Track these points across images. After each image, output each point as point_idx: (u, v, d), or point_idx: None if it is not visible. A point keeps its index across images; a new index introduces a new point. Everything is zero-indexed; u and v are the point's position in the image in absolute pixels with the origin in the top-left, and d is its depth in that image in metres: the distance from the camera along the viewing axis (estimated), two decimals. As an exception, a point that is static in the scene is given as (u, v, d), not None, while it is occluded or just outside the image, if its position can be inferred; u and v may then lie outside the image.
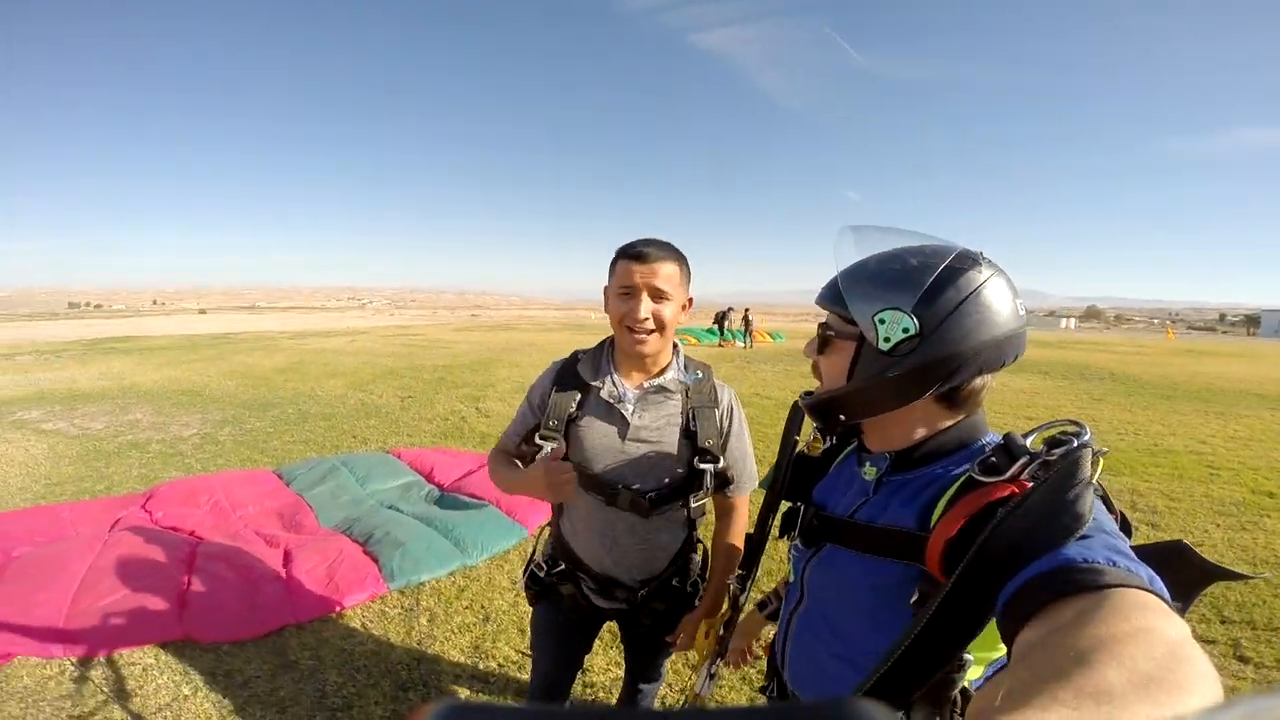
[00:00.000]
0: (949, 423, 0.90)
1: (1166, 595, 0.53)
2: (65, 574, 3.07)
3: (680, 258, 1.45)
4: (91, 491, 4.97)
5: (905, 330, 0.82)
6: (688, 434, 1.50)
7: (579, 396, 1.49)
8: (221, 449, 6.33)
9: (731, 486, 1.59)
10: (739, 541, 1.61)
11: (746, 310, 22.13)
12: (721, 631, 1.34)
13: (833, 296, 0.92)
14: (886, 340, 0.83)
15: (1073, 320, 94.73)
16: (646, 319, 1.40)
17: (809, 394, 1.00)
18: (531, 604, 1.71)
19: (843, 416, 0.93)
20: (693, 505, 1.55)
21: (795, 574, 1.06)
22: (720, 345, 21.01)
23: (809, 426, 1.16)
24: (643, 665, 1.77)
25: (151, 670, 2.56)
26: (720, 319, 22.10)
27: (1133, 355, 21.05)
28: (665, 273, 1.40)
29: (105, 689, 2.43)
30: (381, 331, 29.32)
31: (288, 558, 3.51)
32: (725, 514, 1.65)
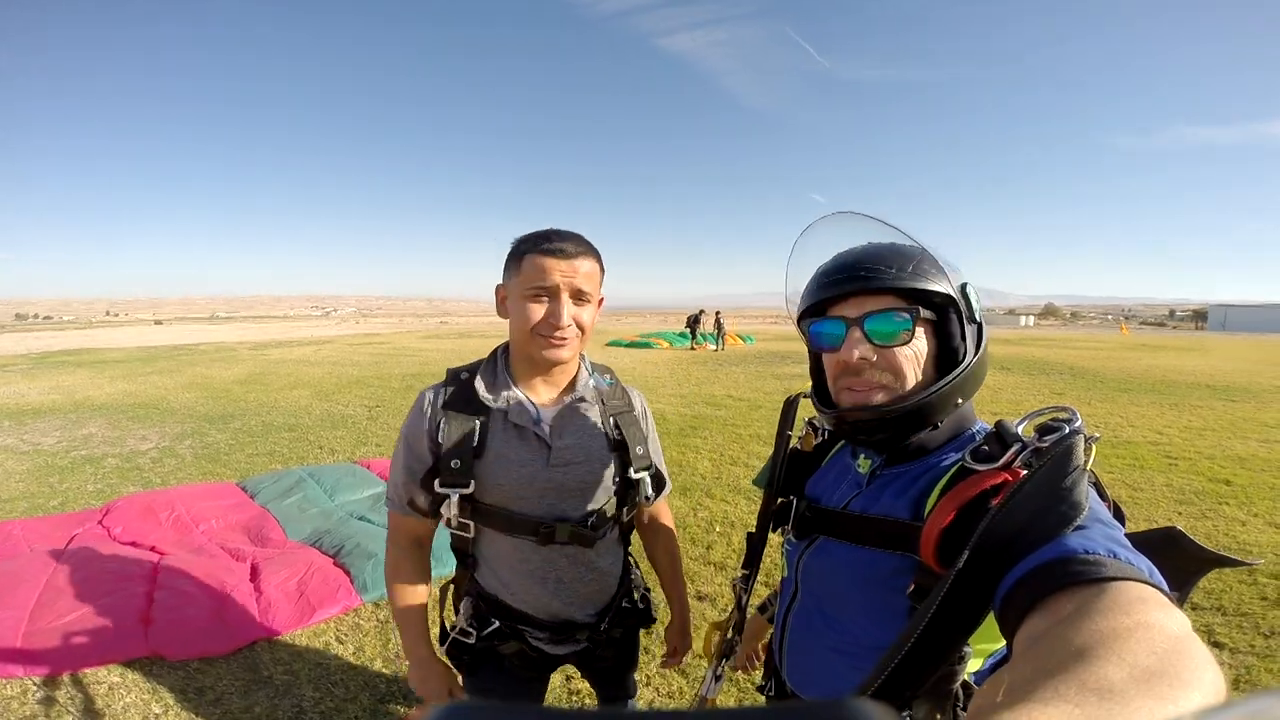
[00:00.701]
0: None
1: (1166, 587, 0.53)
2: (20, 591, 2.93)
3: (598, 254, 1.28)
4: (44, 508, 4.77)
5: (977, 301, 0.85)
6: (615, 444, 1.34)
7: (479, 422, 1.25)
8: (181, 463, 6.13)
9: (663, 489, 1.46)
10: (675, 541, 1.58)
11: (718, 313, 22.38)
12: (729, 634, 1.32)
13: (917, 271, 0.85)
14: (977, 309, 0.85)
15: (1031, 318, 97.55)
16: (570, 324, 1.21)
17: (889, 402, 0.87)
18: (467, 675, 1.38)
19: (960, 400, 0.88)
20: (624, 520, 1.41)
21: (789, 568, 1.06)
22: (692, 348, 21.18)
23: (801, 423, 1.17)
24: (613, 691, 1.60)
25: (118, 689, 2.46)
26: (692, 322, 22.28)
27: (1090, 350, 21.71)
28: (586, 271, 1.22)
29: (72, 709, 2.33)
30: (347, 340, 28.77)
31: (255, 571, 3.39)
32: (653, 519, 1.55)
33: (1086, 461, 0.68)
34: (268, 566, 3.41)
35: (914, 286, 0.84)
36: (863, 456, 0.97)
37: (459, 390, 1.28)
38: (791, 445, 1.14)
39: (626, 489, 1.37)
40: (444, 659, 1.36)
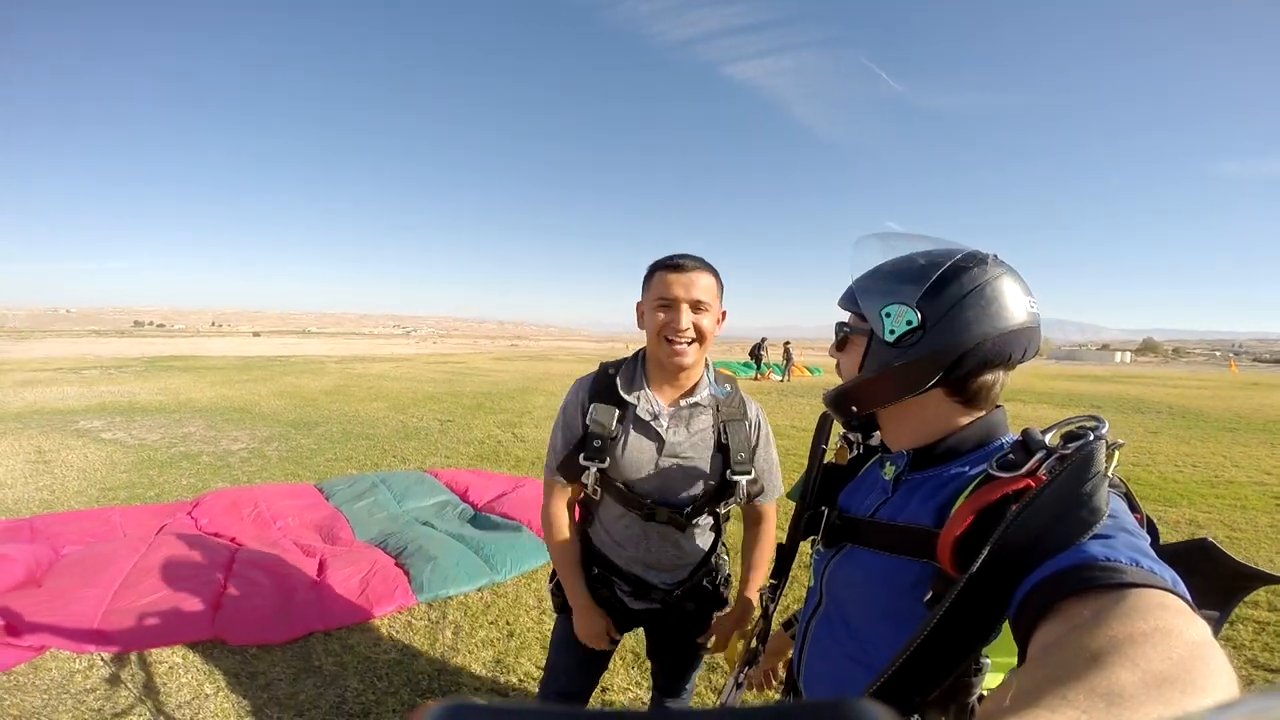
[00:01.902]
0: (965, 420, 0.89)
1: (1189, 598, 0.51)
2: (108, 573, 3.19)
3: (715, 271, 1.48)
4: (143, 498, 5.17)
5: (909, 323, 0.85)
6: (720, 447, 1.53)
7: (617, 413, 1.50)
8: (267, 463, 6.53)
9: (761, 495, 1.62)
10: (770, 547, 1.66)
11: (787, 344, 21.98)
12: (754, 642, 1.32)
13: (849, 297, 0.97)
14: (891, 333, 0.87)
15: (1128, 354, 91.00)
16: (688, 329, 1.42)
17: (826, 393, 1.03)
18: (558, 610, 1.69)
19: (854, 407, 0.95)
20: (721, 512, 1.62)
21: (815, 577, 1.06)
22: (756, 379, 20.81)
23: (836, 437, 1.17)
24: (671, 676, 1.77)
25: (177, 669, 2.62)
26: (756, 352, 21.96)
27: (1193, 389, 20.11)
28: (703, 284, 1.43)
29: (129, 685, 2.49)
30: (425, 359, 30.00)
31: (322, 567, 3.57)
32: (755, 522, 1.68)
33: (1108, 467, 0.67)
34: (334, 563, 3.58)
35: (846, 307, 0.98)
36: (889, 464, 0.97)
37: (605, 382, 1.55)
38: (828, 460, 1.15)
39: (723, 487, 1.54)
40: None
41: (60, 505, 4.88)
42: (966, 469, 0.86)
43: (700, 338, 1.45)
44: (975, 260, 0.86)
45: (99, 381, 14.46)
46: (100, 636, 2.73)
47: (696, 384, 1.55)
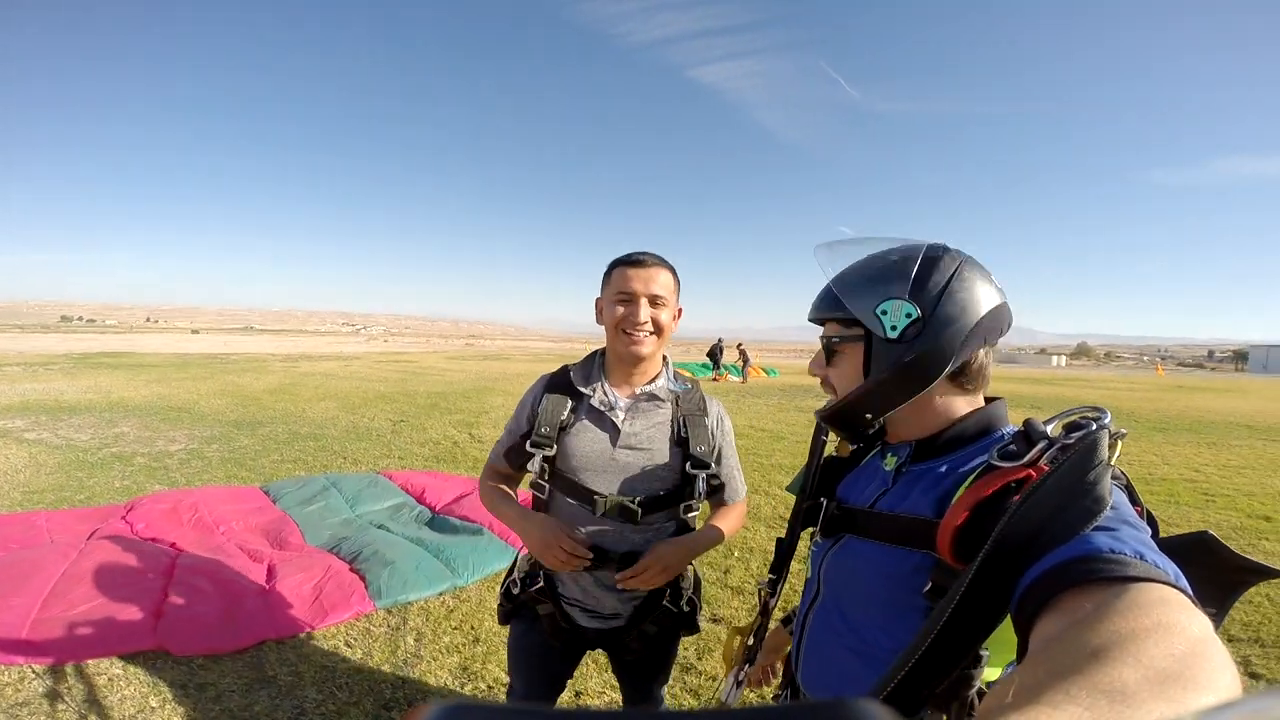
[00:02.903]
0: (967, 407, 0.91)
1: (1190, 592, 0.51)
2: (36, 580, 2.96)
3: (673, 269, 1.51)
4: (71, 501, 4.85)
5: (908, 315, 0.85)
6: (679, 441, 1.51)
7: (570, 403, 1.49)
8: (208, 465, 6.22)
9: (727, 492, 1.61)
10: (738, 519, 1.65)
11: (740, 345, 22.27)
12: (750, 640, 1.29)
13: (830, 304, 0.95)
14: (894, 328, 0.86)
15: (1063, 358, 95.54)
16: (646, 322, 1.44)
17: (820, 410, 1.01)
18: (502, 622, 1.63)
19: (869, 415, 0.93)
20: (684, 516, 1.52)
21: (813, 569, 1.05)
22: (714, 379, 21.03)
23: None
24: (639, 695, 1.70)
25: (118, 680, 2.45)
26: (714, 353, 22.17)
27: (1124, 391, 21.23)
28: (662, 280, 1.46)
29: (67, 698, 2.32)
30: (375, 357, 29.28)
31: (271, 573, 3.40)
32: (724, 509, 1.63)
33: (1111, 457, 0.67)
34: (285, 568, 3.41)
35: (834, 316, 0.94)
36: (890, 454, 0.97)
37: (560, 377, 1.56)
38: (828, 453, 1.14)
39: (684, 484, 1.50)
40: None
41: (-21, 510, 4.53)
42: (968, 459, 0.87)
43: (658, 331, 1.47)
44: (940, 249, 0.90)
45: (21, 379, 13.59)
46: (30, 647, 2.53)
47: (655, 377, 1.55)
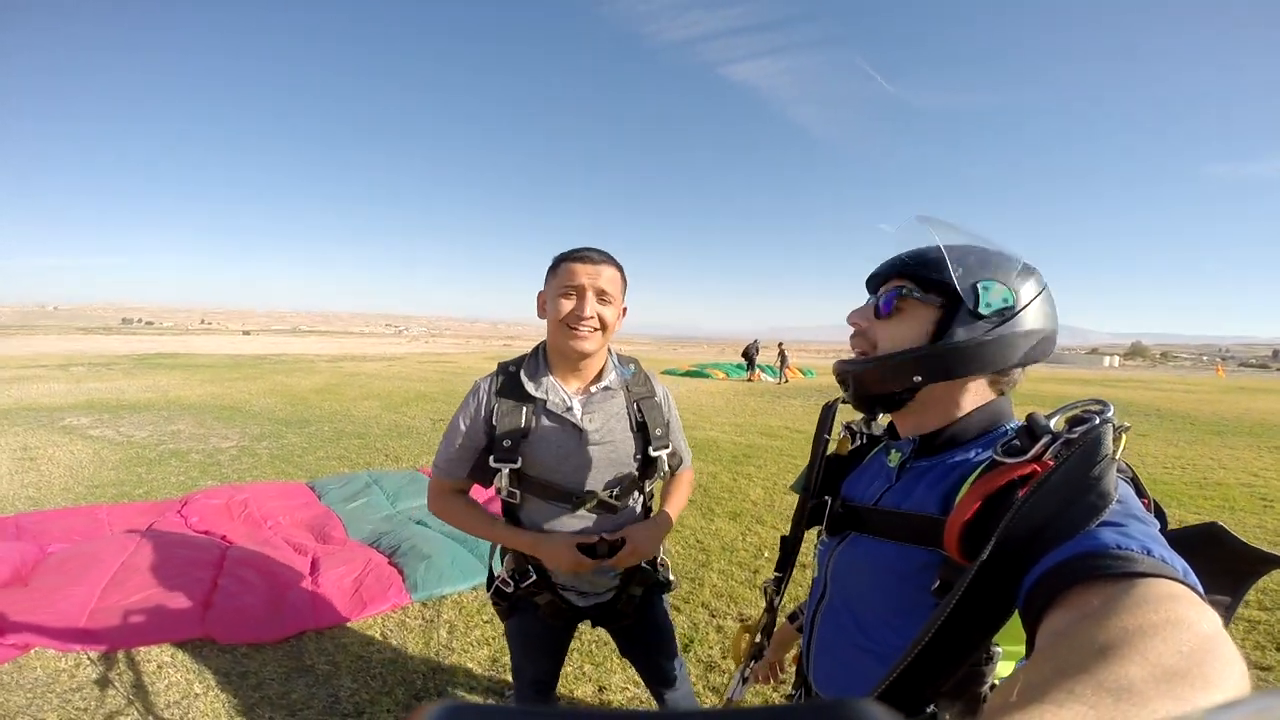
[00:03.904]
0: (980, 403, 0.90)
1: (1200, 588, 0.51)
2: (96, 571, 3.14)
3: (620, 265, 1.52)
4: (131, 495, 5.10)
5: (1005, 300, 0.86)
6: (638, 426, 1.55)
7: (525, 409, 1.47)
8: (258, 461, 6.47)
9: (680, 466, 1.71)
10: (687, 487, 1.75)
11: (781, 345, 22.01)
12: (758, 637, 1.30)
13: (923, 261, 0.92)
14: (988, 305, 0.86)
15: (1116, 358, 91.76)
16: (592, 316, 1.43)
17: (849, 361, 0.97)
18: (504, 618, 1.66)
19: (918, 378, 0.89)
20: (647, 490, 1.62)
21: (820, 568, 1.05)
22: (749, 379, 20.82)
23: (839, 428, 1.17)
24: (653, 667, 1.76)
25: (166, 668, 2.57)
26: (749, 353, 21.96)
27: (1180, 392, 20.30)
28: (608, 275, 1.46)
29: (117, 684, 2.45)
30: (417, 358, 29.87)
31: (315, 566, 3.53)
32: (672, 483, 1.73)
33: (1115, 450, 0.67)
34: (327, 562, 3.54)
35: (917, 274, 0.91)
36: (894, 450, 0.97)
37: (508, 381, 1.51)
38: (830, 451, 1.14)
39: (647, 465, 1.57)
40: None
41: (46, 503, 4.81)
42: (971, 455, 0.86)
43: (603, 326, 1.46)
44: (1035, 268, 0.91)
45: (86, 378, 14.32)
46: (87, 635, 2.68)
47: (602, 369, 1.56)
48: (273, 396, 11.91)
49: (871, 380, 0.94)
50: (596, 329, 1.45)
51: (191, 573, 3.22)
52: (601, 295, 1.45)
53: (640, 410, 1.55)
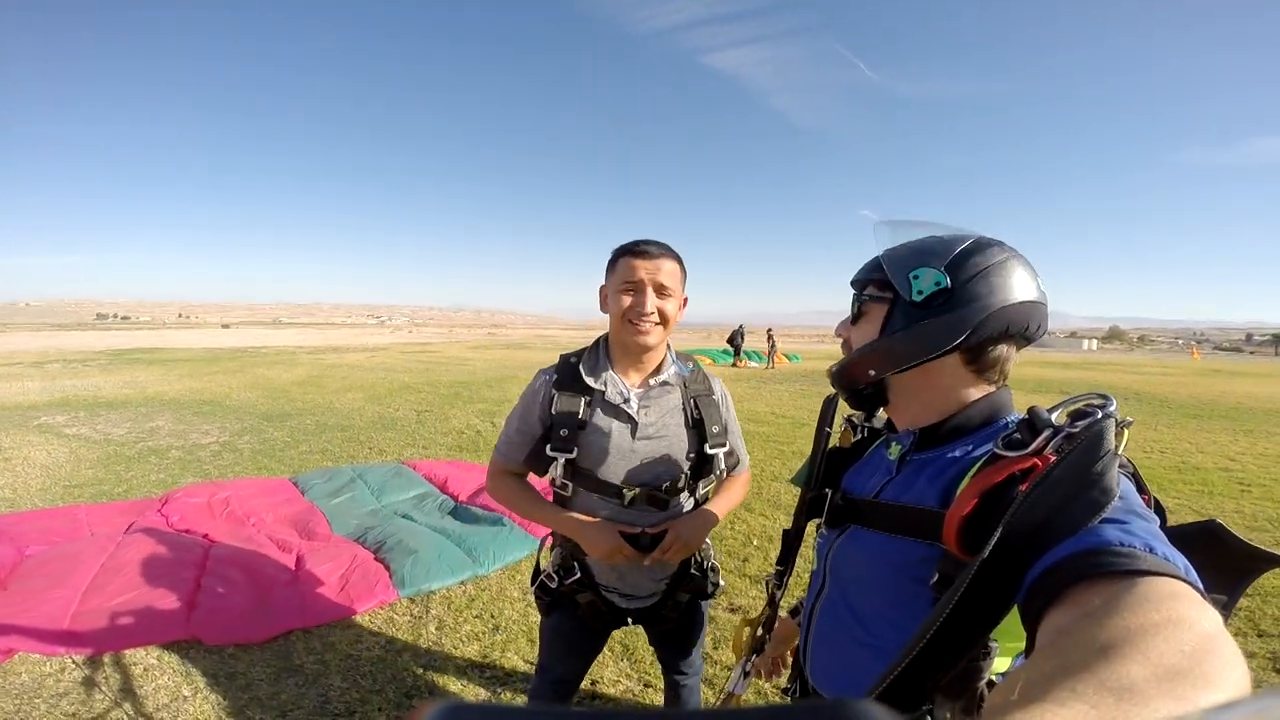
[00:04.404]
0: (976, 394, 0.90)
1: (1201, 586, 0.51)
2: (77, 573, 3.08)
3: (679, 257, 1.52)
4: (110, 495, 5.01)
5: (937, 283, 0.85)
6: (694, 423, 1.55)
7: (583, 400, 1.49)
8: (240, 457, 6.38)
9: (738, 467, 1.70)
10: (743, 490, 1.73)
11: (770, 331, 22.13)
12: (760, 631, 1.31)
13: (872, 268, 0.96)
14: (920, 293, 0.87)
15: (1094, 341, 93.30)
16: (653, 312, 1.45)
17: (829, 369, 1.01)
18: (544, 614, 1.66)
19: (872, 371, 0.93)
20: (700, 492, 1.60)
21: (819, 560, 1.05)
22: (735, 365, 20.87)
23: (840, 421, 1.17)
24: (678, 660, 1.76)
25: (153, 670, 2.54)
26: (734, 339, 21.99)
27: (1158, 375, 20.67)
28: (668, 269, 1.46)
29: (104, 687, 2.41)
30: (400, 348, 29.62)
31: (300, 563, 3.49)
32: (728, 483, 1.71)
33: (1118, 446, 0.67)
34: (312, 559, 3.50)
35: (873, 278, 0.95)
36: (894, 443, 0.98)
37: (568, 372, 1.53)
38: (832, 444, 1.15)
39: (702, 463, 1.57)
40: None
41: (23, 504, 4.72)
42: (972, 448, 0.86)
43: (664, 321, 1.48)
44: (992, 241, 0.90)
45: (61, 375, 14.03)
46: (71, 638, 2.64)
47: (661, 364, 1.57)
48: (253, 390, 11.75)
49: (844, 380, 0.99)
50: (657, 323, 1.47)
51: (175, 573, 3.17)
52: (661, 290, 1.46)
53: (697, 407, 1.55)
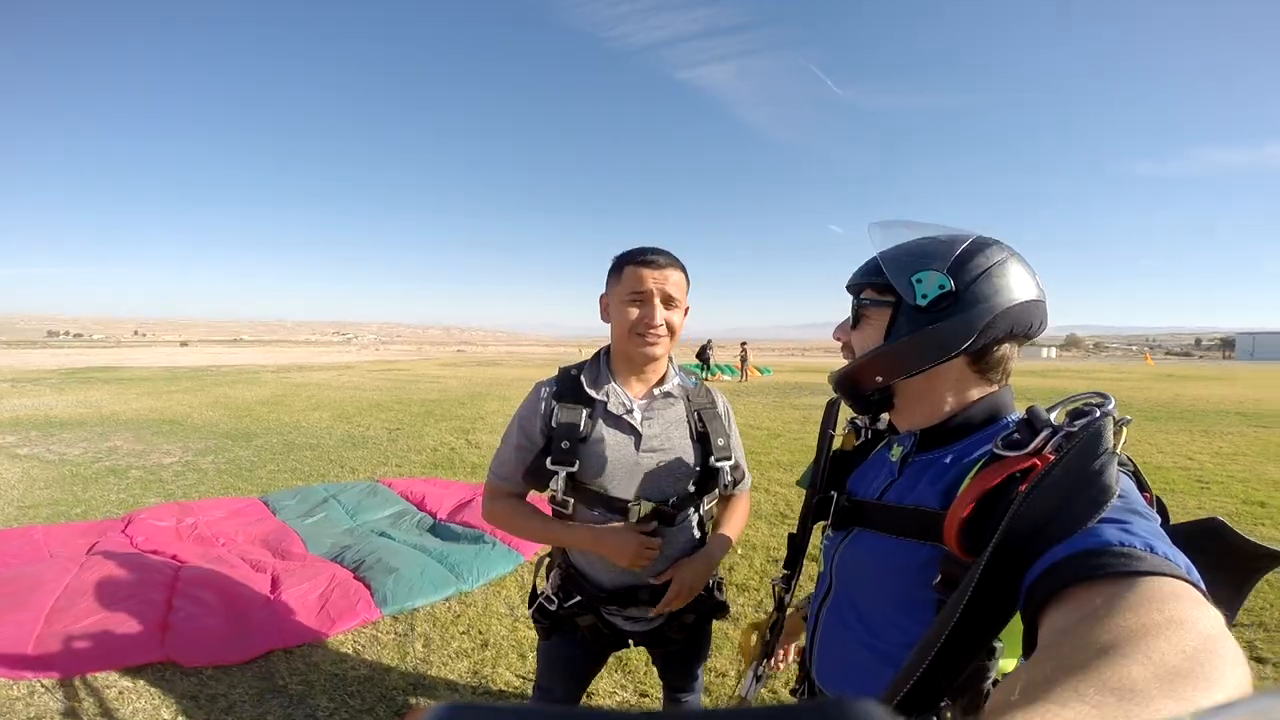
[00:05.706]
0: (978, 394, 0.90)
1: (1203, 586, 0.51)
2: (38, 595, 2.93)
3: (684, 267, 1.48)
4: (68, 515, 4.80)
5: (941, 286, 0.85)
6: (699, 436, 1.51)
7: (584, 411, 1.43)
8: (204, 476, 6.17)
9: (740, 483, 1.62)
10: (744, 516, 1.66)
11: (743, 345, 22.42)
12: (768, 635, 1.29)
13: (870, 270, 0.94)
14: (924, 297, 0.85)
15: (1053, 349, 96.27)
16: (662, 324, 1.41)
17: (836, 370, 1.00)
18: (544, 637, 1.57)
19: (879, 378, 0.92)
20: (705, 507, 1.54)
21: (825, 563, 1.05)
22: (707, 380, 20.97)
23: (843, 424, 1.17)
24: (681, 676, 1.69)
25: (128, 693, 2.43)
26: (703, 353, 22.15)
27: (1115, 380, 21.43)
28: (675, 279, 1.43)
29: (78, 711, 2.30)
30: (367, 366, 29.10)
31: (275, 583, 3.37)
32: (731, 501, 1.64)
33: (1117, 444, 0.67)
34: (289, 579, 3.39)
35: (872, 281, 0.93)
36: (896, 445, 0.98)
37: (568, 383, 1.48)
38: (836, 447, 1.14)
39: (706, 477, 1.51)
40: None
41: (-26, 527, 4.47)
42: (972, 449, 0.86)
43: (671, 332, 1.45)
44: (990, 240, 0.89)
45: (9, 395, 13.45)
46: (36, 662, 2.51)
47: (664, 375, 1.53)
48: (216, 409, 11.39)
49: (848, 385, 0.97)
50: (664, 335, 1.43)
51: (144, 594, 3.03)
52: (669, 301, 1.42)
53: (701, 420, 1.52)
